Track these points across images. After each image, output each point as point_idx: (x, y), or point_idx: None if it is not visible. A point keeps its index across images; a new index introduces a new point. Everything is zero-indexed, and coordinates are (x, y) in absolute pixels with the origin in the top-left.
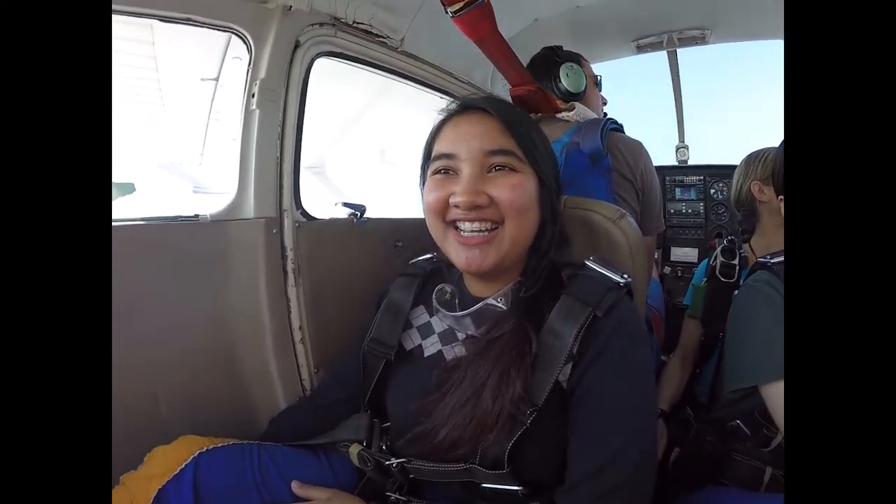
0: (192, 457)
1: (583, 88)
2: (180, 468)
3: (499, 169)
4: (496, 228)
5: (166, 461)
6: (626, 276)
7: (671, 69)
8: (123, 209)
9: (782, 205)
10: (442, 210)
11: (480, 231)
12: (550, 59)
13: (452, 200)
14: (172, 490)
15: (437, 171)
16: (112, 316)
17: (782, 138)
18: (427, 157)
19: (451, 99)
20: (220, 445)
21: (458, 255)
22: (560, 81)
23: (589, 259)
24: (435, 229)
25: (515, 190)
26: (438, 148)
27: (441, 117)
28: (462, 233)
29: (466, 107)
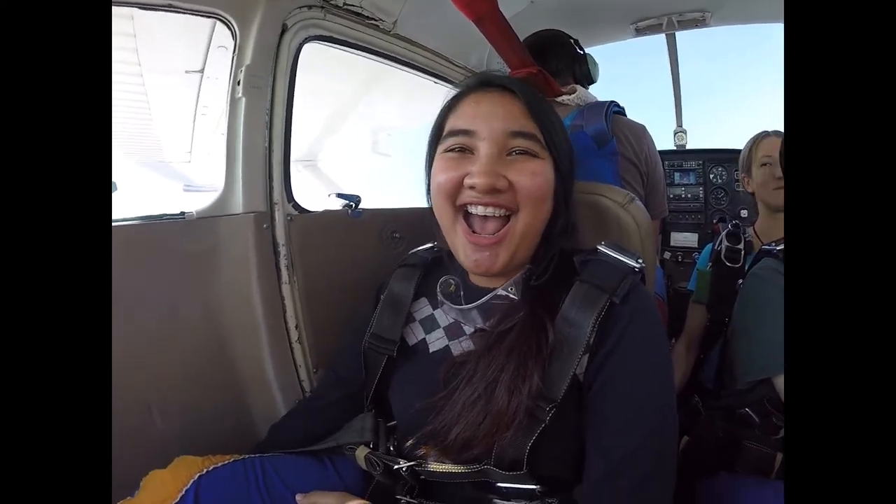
0: (191, 480)
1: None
2: (181, 494)
3: (520, 153)
4: (509, 216)
5: (164, 488)
6: (640, 260)
7: (669, 53)
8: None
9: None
10: (454, 191)
11: (494, 216)
12: (565, 41)
13: (468, 181)
14: None
15: (450, 149)
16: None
17: (782, 122)
18: (437, 135)
19: (447, 84)
20: (219, 464)
21: (466, 255)
22: (587, 66)
23: (601, 244)
24: (443, 214)
25: (536, 177)
26: (454, 124)
27: (455, 91)
28: (474, 231)
29: (488, 83)
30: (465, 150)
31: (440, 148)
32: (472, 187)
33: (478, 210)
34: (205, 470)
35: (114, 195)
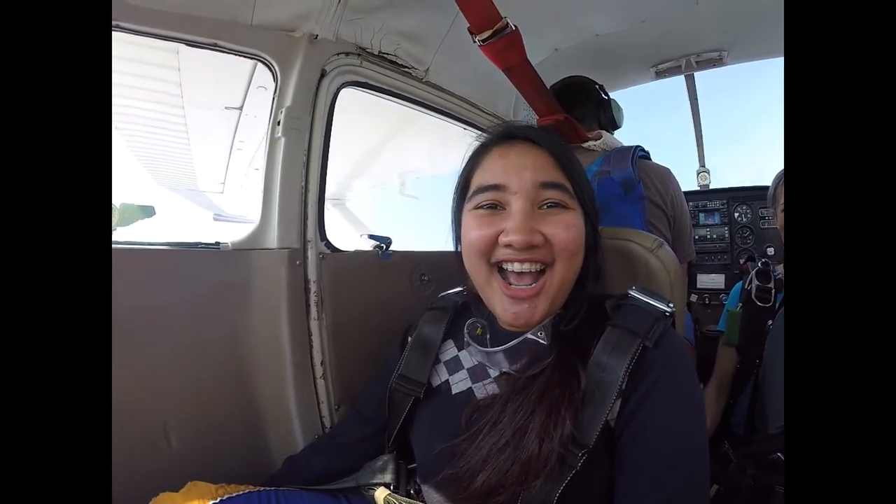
0: None
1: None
2: None
3: (551, 206)
4: (543, 271)
5: None
6: (671, 304)
7: (689, 93)
8: (144, 233)
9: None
10: (488, 249)
11: (530, 272)
12: (590, 87)
13: (503, 240)
14: None
15: (480, 206)
16: (128, 340)
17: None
18: (464, 191)
19: (475, 130)
20: (234, 494)
21: (504, 308)
22: (611, 112)
23: (632, 289)
24: (477, 272)
25: (570, 230)
26: (483, 179)
27: (477, 145)
28: (511, 284)
29: (511, 136)
30: (496, 207)
31: (469, 205)
32: (508, 245)
33: (514, 267)
34: (219, 499)
35: (150, 219)
